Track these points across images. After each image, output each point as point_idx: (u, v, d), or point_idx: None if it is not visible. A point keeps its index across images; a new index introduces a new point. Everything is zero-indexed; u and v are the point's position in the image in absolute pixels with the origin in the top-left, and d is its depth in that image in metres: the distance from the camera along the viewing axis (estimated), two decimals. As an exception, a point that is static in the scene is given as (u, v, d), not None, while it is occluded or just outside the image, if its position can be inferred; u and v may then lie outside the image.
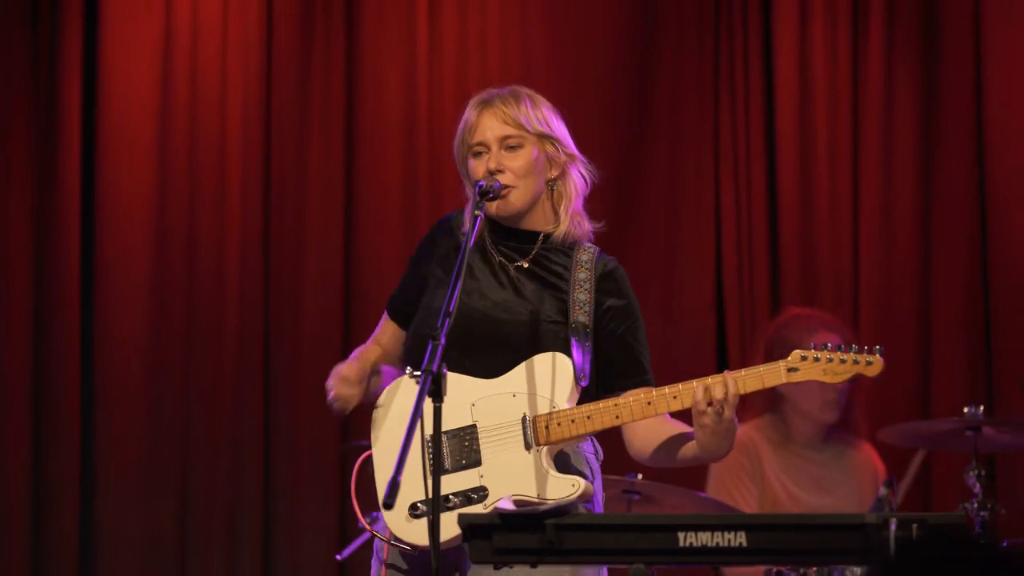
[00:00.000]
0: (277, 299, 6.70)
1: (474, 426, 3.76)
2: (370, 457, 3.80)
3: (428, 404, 3.44)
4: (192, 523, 6.58)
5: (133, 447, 6.58)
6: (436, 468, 3.40)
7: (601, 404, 3.76)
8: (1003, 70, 6.77)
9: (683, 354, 6.69)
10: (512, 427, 3.75)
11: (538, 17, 6.91)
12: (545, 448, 3.73)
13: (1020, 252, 6.70)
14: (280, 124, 6.76)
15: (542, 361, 3.79)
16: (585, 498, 3.72)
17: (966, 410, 5.55)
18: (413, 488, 3.65)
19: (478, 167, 3.92)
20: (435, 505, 3.37)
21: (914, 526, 3.07)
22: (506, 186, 3.88)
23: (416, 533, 3.70)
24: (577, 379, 3.78)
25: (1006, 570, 2.24)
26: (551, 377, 3.78)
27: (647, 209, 6.86)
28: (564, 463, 3.82)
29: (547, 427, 3.73)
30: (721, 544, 3.19)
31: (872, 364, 3.77)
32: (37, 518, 6.51)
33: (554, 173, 3.98)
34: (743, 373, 3.73)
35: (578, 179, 4.01)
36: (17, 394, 6.53)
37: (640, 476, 5.32)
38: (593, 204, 6.75)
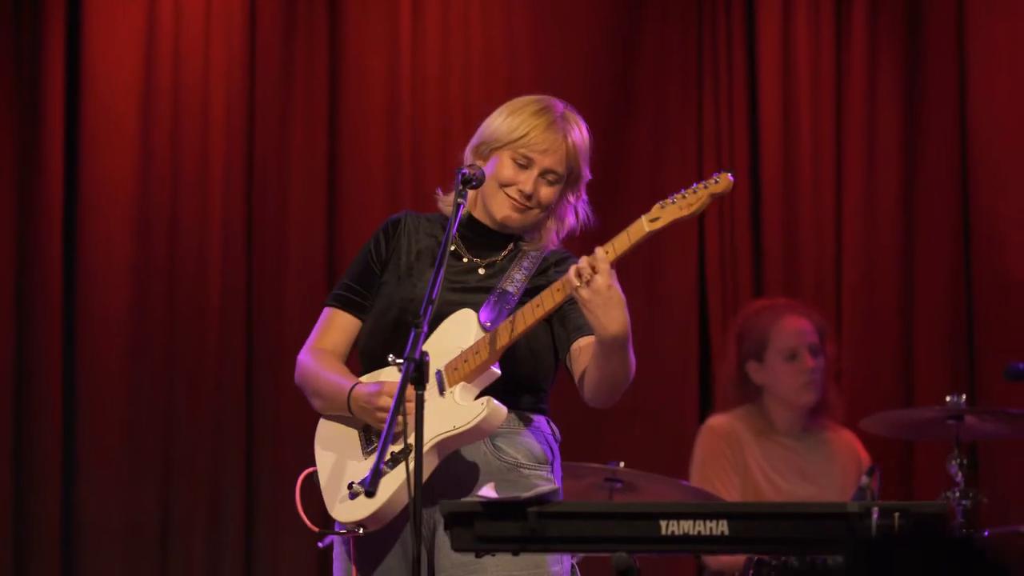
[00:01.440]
0: (260, 283, 6.69)
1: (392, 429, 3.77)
2: (312, 473, 3.96)
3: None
4: (174, 507, 6.57)
5: (115, 431, 6.57)
6: (418, 456, 3.41)
7: (520, 311, 3.78)
8: (986, 58, 6.77)
9: (666, 341, 6.70)
10: (429, 386, 3.74)
11: (521, 3, 6.91)
12: (458, 387, 3.78)
13: (1003, 241, 6.71)
14: (263, 109, 6.74)
15: (448, 321, 3.86)
16: (498, 417, 3.73)
17: (948, 399, 5.56)
18: (352, 473, 3.80)
19: (513, 171, 3.91)
20: (417, 484, 3.37)
21: (896, 515, 3.07)
22: (527, 206, 3.92)
23: (356, 510, 3.78)
24: (481, 324, 3.83)
25: (980, 562, 2.24)
26: (459, 330, 3.85)
27: (630, 196, 6.86)
28: (520, 443, 3.86)
29: (456, 368, 3.80)
30: (703, 532, 3.19)
31: (719, 181, 3.79)
32: (19, 502, 6.49)
33: (560, 204, 4.02)
34: (611, 241, 3.76)
35: (574, 215, 4.05)
36: (-2, 381, 6.53)
37: (622, 464, 5.32)
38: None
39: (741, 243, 6.81)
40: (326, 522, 3.90)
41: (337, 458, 3.93)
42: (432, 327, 3.78)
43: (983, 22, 6.77)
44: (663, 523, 3.20)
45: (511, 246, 4.00)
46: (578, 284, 3.69)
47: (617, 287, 3.71)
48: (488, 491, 3.73)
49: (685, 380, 6.76)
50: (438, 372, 3.81)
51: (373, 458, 3.59)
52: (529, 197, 3.92)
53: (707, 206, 3.82)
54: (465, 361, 3.80)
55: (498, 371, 3.82)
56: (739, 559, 5.45)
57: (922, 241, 6.78)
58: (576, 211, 4.05)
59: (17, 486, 6.50)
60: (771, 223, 6.82)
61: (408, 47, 6.78)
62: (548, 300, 3.76)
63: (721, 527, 3.18)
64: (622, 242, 3.76)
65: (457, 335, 3.84)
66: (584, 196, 4.06)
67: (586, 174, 4.03)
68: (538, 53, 6.88)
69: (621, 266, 6.89)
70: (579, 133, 4.00)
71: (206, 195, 6.67)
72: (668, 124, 6.90)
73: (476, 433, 3.74)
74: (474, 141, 4.00)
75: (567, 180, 3.98)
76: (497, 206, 3.93)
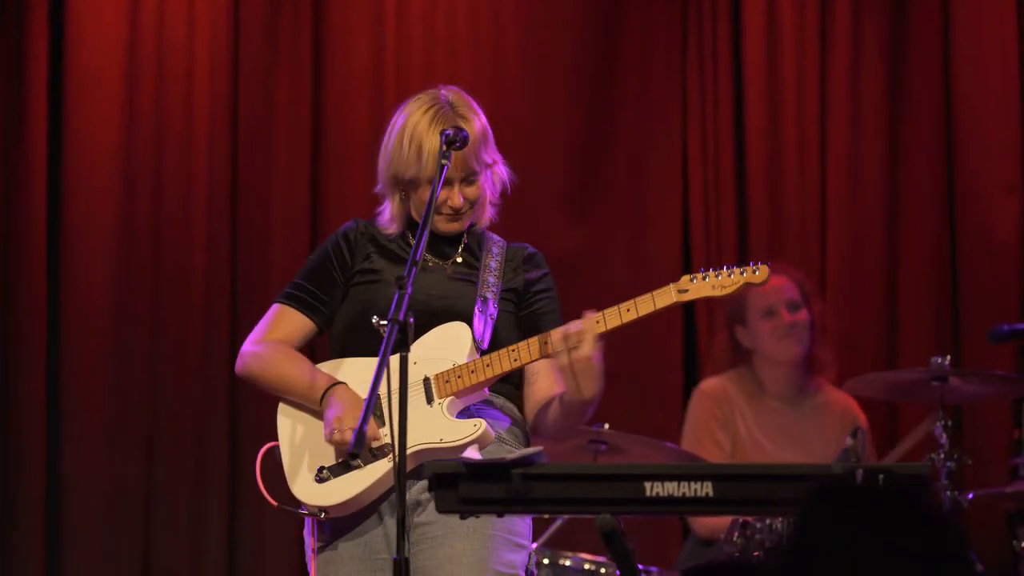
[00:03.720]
0: (244, 247, 6.68)
1: (378, 396, 3.78)
2: (273, 448, 3.97)
3: None
4: (158, 473, 6.57)
5: (99, 395, 6.56)
6: (403, 413, 3.41)
7: (497, 352, 3.86)
8: (970, 26, 6.77)
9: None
10: (415, 388, 3.85)
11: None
12: (447, 400, 3.86)
13: (987, 204, 6.72)
14: (248, 71, 6.73)
15: (441, 330, 3.92)
16: (484, 442, 3.81)
17: (932, 360, 5.56)
18: (320, 454, 3.83)
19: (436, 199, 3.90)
20: (402, 448, 3.37)
21: (880, 476, 3.08)
22: (459, 214, 3.98)
23: (323, 495, 3.84)
24: (476, 342, 3.90)
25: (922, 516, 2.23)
26: (451, 342, 3.90)
27: (614, 168, 6.86)
28: (499, 425, 3.92)
29: (447, 381, 3.86)
30: (687, 494, 3.19)
31: (759, 272, 3.83)
32: (3, 468, 6.49)
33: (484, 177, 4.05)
34: (637, 299, 3.80)
35: (498, 181, 4.08)
36: (-18, 345, 6.51)
37: (607, 426, 5.33)
38: (561, 163, 6.79)
39: (725, 208, 6.81)
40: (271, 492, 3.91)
41: (303, 434, 3.95)
42: (421, 324, 3.81)
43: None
44: (647, 485, 3.20)
45: (464, 239, 4.07)
46: (561, 349, 3.77)
47: (598, 358, 3.79)
48: (472, 452, 3.74)
49: (669, 343, 6.77)
50: (426, 379, 3.87)
51: (339, 441, 3.74)
52: (458, 209, 3.98)
53: (740, 292, 3.87)
54: (458, 377, 3.86)
55: (486, 392, 3.91)
56: (724, 521, 5.45)
57: (906, 204, 6.79)
58: (495, 179, 4.07)
59: (1, 451, 6.49)
60: (756, 188, 6.81)
61: (393, 9, 6.76)
62: (525, 354, 3.85)
63: (706, 488, 3.18)
64: (645, 306, 3.79)
65: (450, 347, 3.90)
66: (499, 160, 4.07)
67: (494, 152, 4.05)
68: (523, 27, 6.86)
69: (606, 229, 6.88)
70: (475, 125, 3.99)
71: (190, 158, 6.66)
72: (652, 98, 6.89)
73: (459, 451, 3.79)
74: (385, 169, 4.02)
75: (483, 167, 4.02)
76: (437, 223, 4.00)
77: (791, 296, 6.00)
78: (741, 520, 5.12)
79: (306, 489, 3.87)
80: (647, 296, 3.82)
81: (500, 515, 3.36)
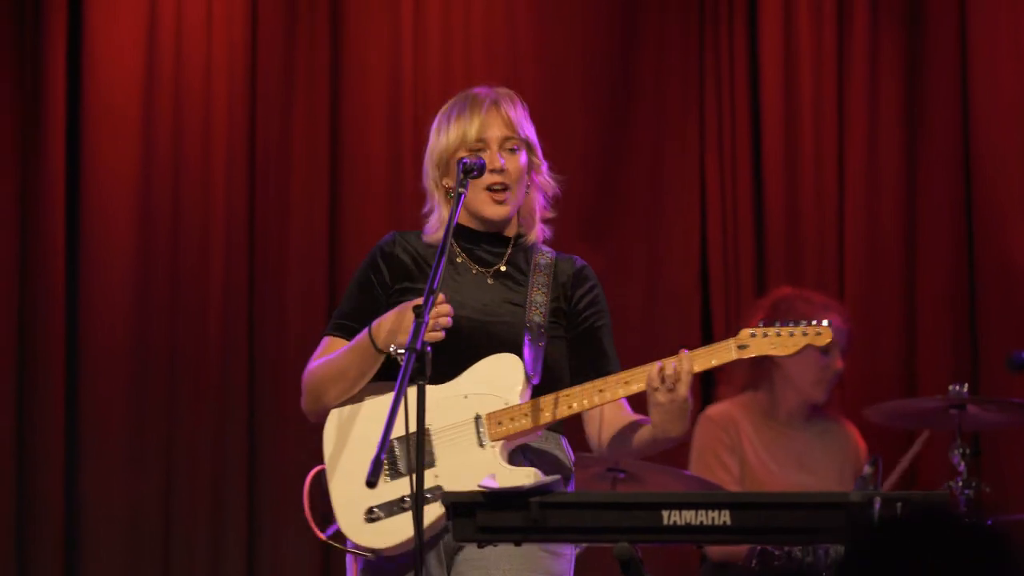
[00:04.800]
0: (261, 276, 6.69)
1: (427, 429, 3.74)
2: (321, 472, 3.85)
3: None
4: (176, 499, 6.57)
5: (117, 421, 6.56)
6: (420, 445, 3.40)
7: (552, 396, 3.79)
8: (988, 39, 6.74)
9: (668, 331, 6.69)
10: (464, 426, 3.78)
11: (523, -3, 6.91)
12: (499, 444, 3.77)
13: (1006, 229, 6.69)
14: (265, 101, 6.74)
15: (492, 362, 3.82)
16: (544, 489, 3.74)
17: (951, 388, 5.55)
18: (368, 492, 3.64)
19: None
20: (419, 483, 3.37)
21: (898, 504, 3.08)
22: (504, 185, 3.91)
23: (374, 537, 3.74)
24: (528, 376, 3.81)
25: (987, 547, 2.23)
26: (502, 376, 3.81)
27: (631, 184, 6.86)
28: (546, 460, 3.85)
29: (500, 423, 3.77)
30: (705, 522, 3.19)
31: (821, 334, 3.81)
32: (22, 491, 6.49)
33: (531, 179, 4.01)
34: (696, 351, 3.78)
35: (546, 187, 4.04)
36: (1, 370, 6.51)
37: (625, 454, 5.32)
38: (578, 184, 6.79)
39: (743, 232, 6.79)
40: (327, 519, 3.88)
41: (351, 460, 3.82)
42: (468, 352, 3.77)
43: (984, 4, 6.75)
44: (665, 513, 3.20)
45: (509, 248, 3.98)
46: (658, 387, 3.72)
47: (689, 399, 3.76)
48: (490, 481, 3.73)
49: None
50: (477, 417, 3.79)
51: (396, 482, 3.67)
52: (501, 172, 3.90)
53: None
54: (512, 419, 3.77)
55: (540, 433, 3.83)
56: (741, 549, 5.44)
57: (924, 230, 6.77)
58: (544, 188, 4.03)
59: (20, 476, 6.50)
60: (773, 213, 6.80)
61: (410, 40, 6.77)
62: (614, 391, 3.79)
63: (723, 517, 3.18)
64: (705, 360, 3.79)
65: (501, 384, 3.81)
66: (545, 166, 4.04)
67: (536, 142, 4.02)
68: (539, 45, 6.87)
69: (623, 258, 6.89)
70: (512, 102, 3.99)
71: (208, 187, 6.67)
72: (669, 116, 6.88)
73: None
74: (428, 164, 4.00)
75: (524, 147, 3.97)
76: (480, 204, 3.92)
77: (845, 343, 5.96)
78: (759, 548, 5.11)
79: (356, 528, 3.77)
80: (708, 349, 3.79)
81: (518, 544, 3.36)
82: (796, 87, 6.81)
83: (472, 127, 3.92)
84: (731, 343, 3.80)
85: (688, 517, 3.19)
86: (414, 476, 3.44)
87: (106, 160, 6.63)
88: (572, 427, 3.97)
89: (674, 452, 6.23)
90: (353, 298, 3.96)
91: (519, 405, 3.77)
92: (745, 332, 3.80)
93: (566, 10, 6.90)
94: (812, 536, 3.06)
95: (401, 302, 3.85)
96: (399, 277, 3.93)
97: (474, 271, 3.94)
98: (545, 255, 4.00)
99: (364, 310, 3.91)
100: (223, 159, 6.68)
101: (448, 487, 3.68)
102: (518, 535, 3.28)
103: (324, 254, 6.70)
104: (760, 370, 5.95)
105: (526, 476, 3.70)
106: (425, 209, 4.04)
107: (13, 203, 6.58)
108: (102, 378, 6.58)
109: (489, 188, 3.92)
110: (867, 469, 5.16)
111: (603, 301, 4.02)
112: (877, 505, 3.08)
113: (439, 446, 3.76)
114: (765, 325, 3.82)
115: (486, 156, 3.90)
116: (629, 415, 3.90)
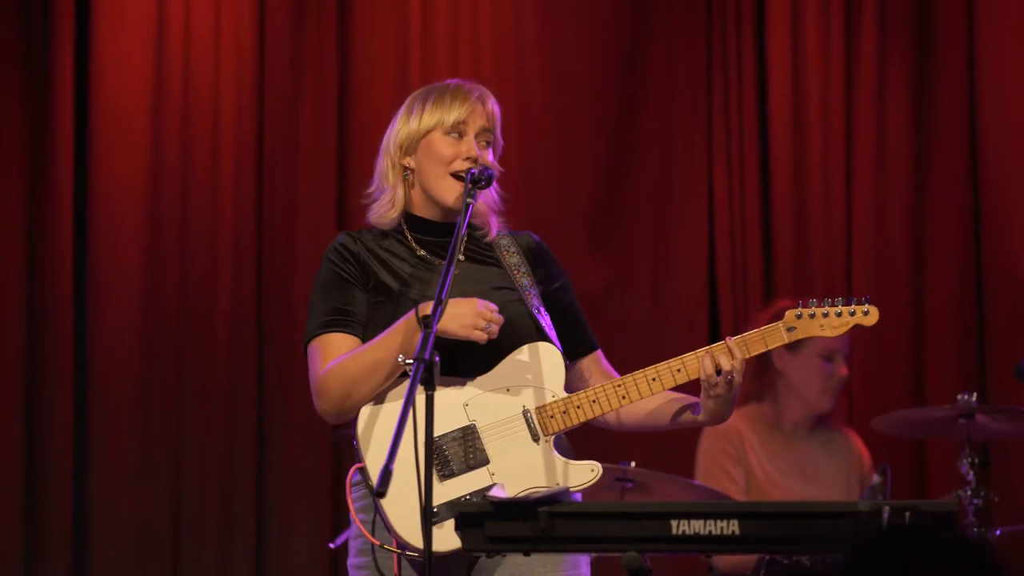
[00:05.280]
0: (270, 281, 6.70)
1: (472, 426, 3.72)
2: (361, 469, 3.69)
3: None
4: (185, 505, 6.58)
5: (126, 428, 6.57)
6: (428, 460, 3.38)
7: (604, 387, 3.77)
8: (996, 49, 6.75)
9: (675, 340, 6.68)
10: (514, 421, 3.74)
11: (529, -1, 6.93)
12: (552, 438, 3.74)
13: (1013, 238, 6.70)
14: (273, 107, 6.75)
15: (527, 352, 3.78)
16: (595, 483, 3.74)
17: (959, 398, 5.55)
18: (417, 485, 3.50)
19: (450, 146, 3.85)
20: (428, 498, 3.36)
21: (907, 514, 3.07)
22: (488, 171, 3.83)
23: (437, 539, 3.55)
24: (566, 364, 3.80)
25: (982, 562, 2.22)
26: (540, 366, 3.77)
27: (639, 194, 6.87)
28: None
29: (552, 416, 3.73)
30: (714, 532, 3.19)
31: (869, 314, 3.80)
32: (30, 499, 6.50)
33: None
34: (744, 337, 3.76)
35: (496, 189, 3.97)
36: (9, 379, 6.52)
37: (633, 464, 5.32)
38: (585, 194, 6.80)
39: (751, 241, 6.80)
40: (338, 521, 3.84)
41: (400, 464, 3.50)
42: (463, 345, 3.69)
43: (992, 17, 6.76)
44: (674, 523, 3.20)
45: (464, 238, 3.87)
46: (716, 381, 3.72)
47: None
48: (499, 491, 3.72)
49: (695, 382, 6.73)
50: (526, 411, 3.75)
51: (451, 481, 3.61)
52: (475, 161, 3.84)
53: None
54: (564, 413, 3.74)
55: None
56: (750, 559, 5.44)
57: (932, 239, 6.77)
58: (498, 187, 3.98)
59: (28, 484, 6.51)
60: (781, 221, 6.81)
61: (417, 43, 6.79)
62: (667, 379, 3.78)
63: (732, 527, 3.18)
64: (758, 344, 3.77)
65: (542, 374, 3.77)
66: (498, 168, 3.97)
67: (501, 141, 3.96)
68: (546, 47, 6.88)
69: (630, 267, 6.88)
70: (494, 100, 3.95)
71: (216, 193, 6.68)
72: (676, 125, 6.89)
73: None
74: (392, 139, 3.93)
75: (495, 143, 3.93)
76: (446, 190, 3.86)
77: (848, 349, 5.95)
78: (768, 558, 5.11)
79: (412, 530, 3.60)
80: (758, 333, 3.77)
81: (527, 554, 3.36)
82: (804, 96, 6.82)
83: (453, 112, 3.86)
84: (779, 326, 3.78)
85: (697, 527, 3.19)
86: (431, 468, 3.37)
87: (114, 167, 6.65)
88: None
89: (686, 460, 6.24)
90: (329, 296, 3.85)
91: (571, 397, 3.75)
92: (791, 314, 3.78)
93: (573, 19, 6.91)
94: (821, 546, 3.06)
95: (376, 301, 3.80)
96: (369, 271, 3.85)
97: (438, 263, 3.86)
98: (502, 235, 3.95)
99: (347, 301, 3.83)
100: (231, 165, 6.69)
101: (507, 484, 3.67)
102: (527, 545, 3.28)
103: (332, 261, 6.70)
104: (764, 381, 5.94)
105: (590, 469, 3.72)
106: (370, 189, 3.98)
107: (22, 210, 6.59)
108: (111, 385, 6.59)
109: (456, 175, 3.86)
110: (876, 478, 5.16)
111: (563, 270, 3.99)
112: (886, 514, 3.07)
113: (489, 443, 3.72)
114: (808, 305, 3.81)
115: (462, 144, 3.85)
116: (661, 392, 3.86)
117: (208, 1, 6.71)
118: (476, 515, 3.23)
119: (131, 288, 6.63)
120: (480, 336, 3.65)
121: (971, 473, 5.49)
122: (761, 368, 5.91)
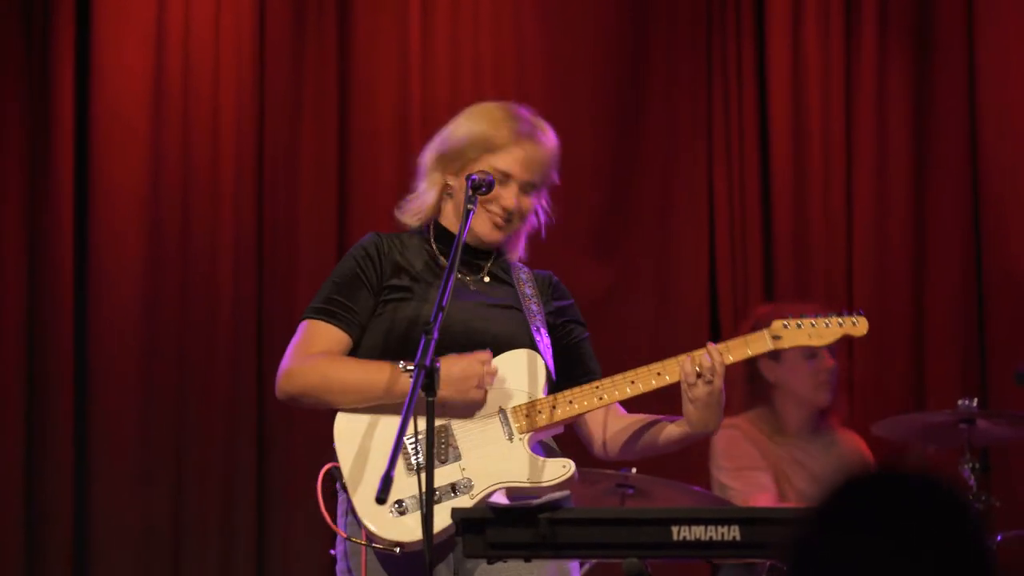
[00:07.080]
0: (270, 286, 6.70)
1: (446, 424, 3.74)
2: (332, 469, 3.78)
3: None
4: (186, 511, 6.58)
5: (127, 433, 6.57)
6: (429, 463, 3.40)
7: (582, 388, 3.79)
8: (996, 61, 6.76)
9: (677, 345, 6.66)
10: (488, 420, 3.76)
11: (530, 9, 6.91)
12: (527, 436, 3.75)
13: (1013, 243, 6.70)
14: (273, 113, 6.75)
15: (512, 357, 3.81)
16: (571, 483, 3.72)
17: (960, 403, 5.54)
18: (396, 485, 3.56)
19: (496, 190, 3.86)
20: (428, 500, 3.37)
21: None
22: (510, 219, 3.88)
23: (401, 530, 3.65)
24: (549, 373, 3.82)
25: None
26: (524, 371, 3.80)
27: (640, 200, 6.87)
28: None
29: (527, 415, 3.76)
30: (715, 538, 3.19)
31: (857, 324, 3.80)
32: (31, 503, 6.50)
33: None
34: (727, 343, 3.77)
35: (540, 215, 4.00)
36: (10, 381, 6.52)
37: (634, 470, 5.32)
38: (586, 199, 6.81)
39: (751, 247, 6.80)
40: (333, 518, 3.85)
41: (371, 454, 3.75)
42: (461, 339, 3.74)
43: (993, 24, 6.76)
44: (675, 529, 3.20)
45: (491, 259, 3.96)
46: (694, 381, 3.72)
47: (723, 392, 3.75)
48: (499, 497, 3.73)
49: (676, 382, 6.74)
50: (502, 411, 3.78)
51: (416, 476, 3.59)
52: (511, 213, 3.88)
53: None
54: (539, 412, 3.75)
55: (562, 428, 3.82)
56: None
57: (933, 244, 6.77)
58: (537, 213, 4.00)
59: (29, 486, 6.51)
60: (782, 227, 6.81)
61: (418, 49, 6.79)
62: (647, 382, 3.79)
63: (733, 532, 3.18)
64: (740, 351, 3.78)
65: (523, 378, 3.79)
66: (546, 197, 4.00)
67: (555, 179, 3.99)
68: (547, 57, 6.88)
69: (631, 270, 6.88)
70: (552, 140, 3.96)
71: (217, 199, 6.69)
72: (678, 131, 6.89)
73: (545, 492, 3.64)
74: (439, 148, 3.95)
75: (540, 188, 3.95)
76: (478, 224, 3.88)
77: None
78: (769, 564, 5.11)
79: (381, 521, 3.67)
80: (741, 340, 3.78)
81: (527, 560, 3.36)
82: (804, 102, 6.82)
83: (510, 151, 3.87)
84: (765, 333, 3.79)
85: (698, 532, 3.19)
86: (432, 471, 3.40)
87: (114, 173, 6.65)
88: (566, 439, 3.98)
89: (687, 466, 6.23)
90: (338, 286, 3.92)
91: (545, 398, 3.77)
92: (778, 323, 3.78)
93: (575, 27, 6.91)
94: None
95: (389, 300, 3.84)
96: (387, 275, 3.90)
97: (458, 276, 3.86)
98: (523, 270, 3.99)
99: (350, 299, 3.89)
100: (231, 171, 6.70)
101: (477, 479, 3.68)
102: (528, 551, 3.28)
103: (333, 264, 6.69)
104: (755, 388, 5.94)
105: (562, 466, 3.72)
106: (414, 184, 4.02)
107: (22, 216, 6.59)
108: (111, 391, 6.59)
109: (493, 212, 3.88)
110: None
111: (580, 314, 4.02)
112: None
113: (463, 440, 3.74)
114: (796, 316, 3.80)
115: (504, 191, 3.86)
116: (635, 417, 3.90)
117: (208, 4, 6.71)
118: (477, 521, 3.23)
119: (132, 291, 6.63)
120: (478, 394, 3.72)
121: (972, 478, 5.49)
122: (751, 379, 5.93)
